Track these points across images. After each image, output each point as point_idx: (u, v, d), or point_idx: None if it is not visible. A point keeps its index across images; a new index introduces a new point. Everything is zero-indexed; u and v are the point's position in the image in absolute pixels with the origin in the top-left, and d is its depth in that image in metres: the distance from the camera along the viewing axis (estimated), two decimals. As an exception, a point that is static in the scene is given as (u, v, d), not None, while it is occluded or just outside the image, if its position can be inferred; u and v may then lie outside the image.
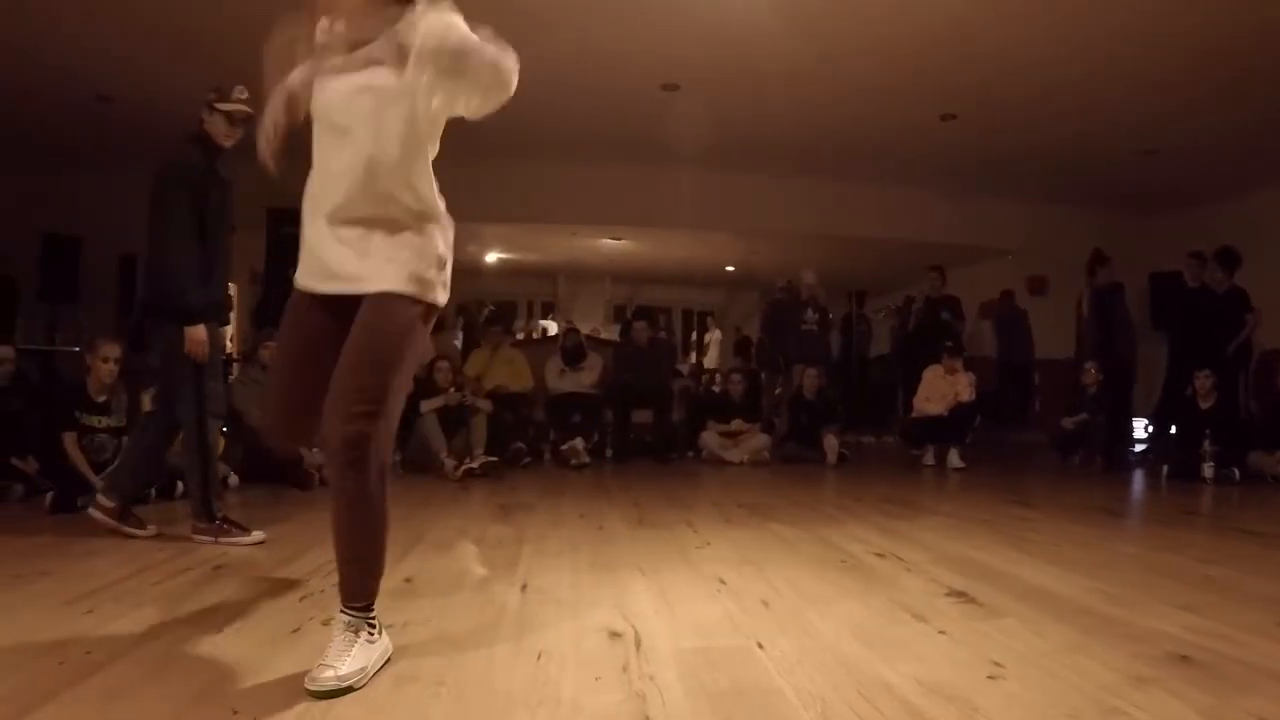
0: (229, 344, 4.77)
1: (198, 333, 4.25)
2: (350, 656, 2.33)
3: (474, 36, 2.30)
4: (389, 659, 2.49)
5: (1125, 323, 9.32)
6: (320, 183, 2.51)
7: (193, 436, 4.39)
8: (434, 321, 2.62)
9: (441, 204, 2.57)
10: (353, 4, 2.49)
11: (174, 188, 4.26)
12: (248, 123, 4.27)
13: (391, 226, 2.47)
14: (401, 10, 2.43)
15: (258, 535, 4.31)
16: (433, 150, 2.54)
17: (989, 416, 10.29)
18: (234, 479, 6.33)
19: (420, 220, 2.51)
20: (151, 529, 4.41)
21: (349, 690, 2.27)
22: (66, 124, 9.46)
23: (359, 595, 2.45)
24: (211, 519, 4.32)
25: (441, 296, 2.56)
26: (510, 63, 2.33)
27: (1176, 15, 6.60)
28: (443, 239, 2.57)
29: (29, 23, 6.97)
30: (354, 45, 2.48)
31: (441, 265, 2.56)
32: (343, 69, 2.47)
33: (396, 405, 2.44)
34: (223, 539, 4.25)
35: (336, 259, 2.47)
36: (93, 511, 4.38)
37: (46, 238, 10.28)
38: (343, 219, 2.46)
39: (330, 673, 2.27)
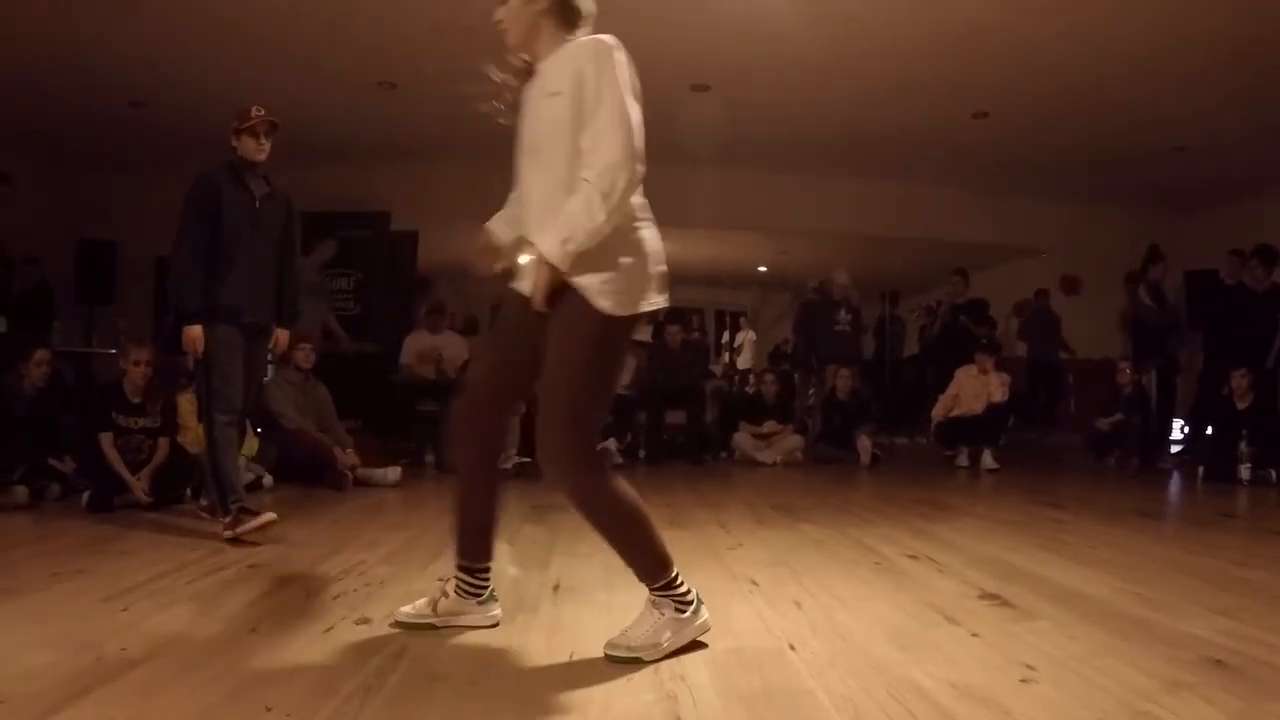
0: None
1: (190, 331, 4.52)
2: (643, 629, 2.59)
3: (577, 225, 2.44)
4: (688, 640, 2.64)
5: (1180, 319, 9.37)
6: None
7: (204, 434, 4.65)
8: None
9: None
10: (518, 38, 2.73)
11: (189, 201, 4.63)
12: (272, 133, 4.72)
13: None
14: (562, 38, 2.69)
15: (268, 516, 4.36)
16: None
17: (1019, 416, 10.23)
18: (268, 479, 6.37)
19: None
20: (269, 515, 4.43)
21: (637, 660, 2.50)
22: (100, 130, 9.58)
23: (642, 577, 2.66)
24: (227, 513, 4.41)
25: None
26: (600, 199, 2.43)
27: (1204, 11, 6.54)
28: None
29: (63, 30, 7.06)
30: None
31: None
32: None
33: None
34: (239, 529, 4.32)
35: None
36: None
37: (82, 242, 10.41)
38: None
39: (623, 640, 2.56)
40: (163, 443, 5.69)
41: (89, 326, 10.11)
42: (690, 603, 2.65)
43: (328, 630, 2.80)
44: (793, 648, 2.68)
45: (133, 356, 5.66)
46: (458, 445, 2.86)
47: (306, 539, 4.41)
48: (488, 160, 10.88)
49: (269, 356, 5.64)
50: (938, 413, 9.25)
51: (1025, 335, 12.06)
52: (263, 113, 4.69)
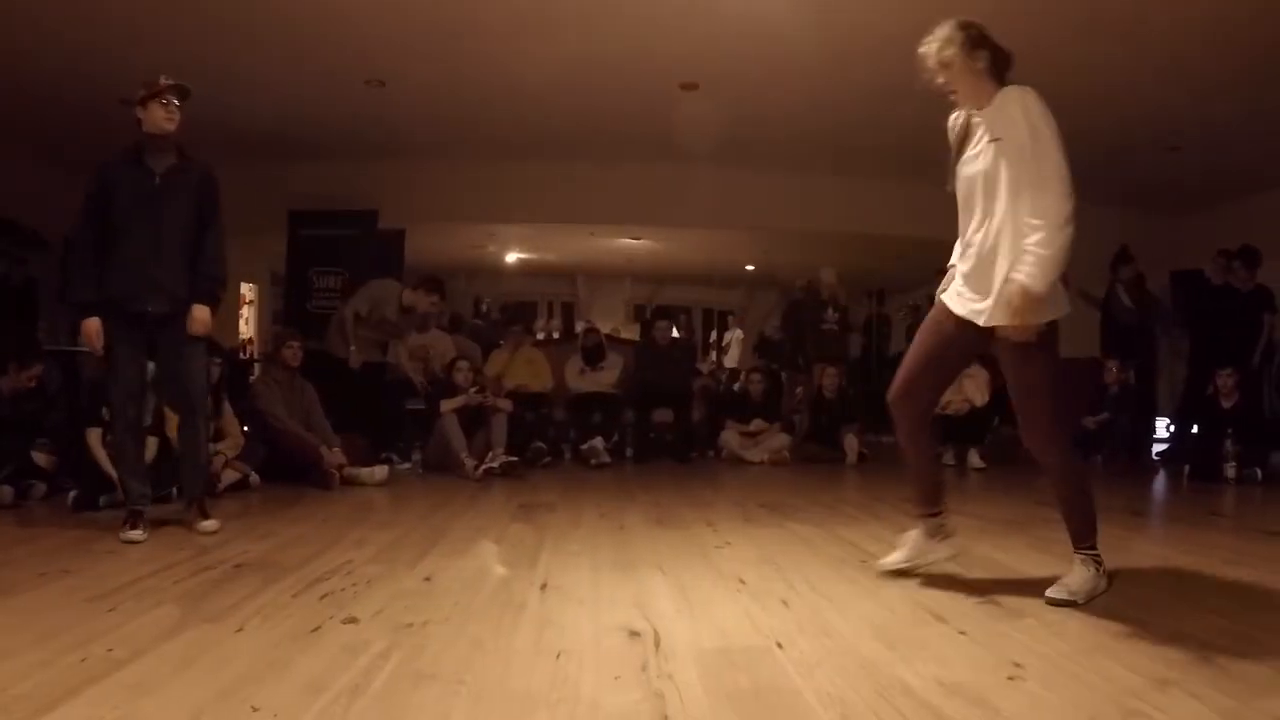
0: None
1: (86, 325, 4.50)
2: (1079, 579, 3.22)
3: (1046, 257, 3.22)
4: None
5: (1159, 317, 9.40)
6: None
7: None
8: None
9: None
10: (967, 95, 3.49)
11: (84, 193, 4.54)
12: (183, 99, 4.50)
13: None
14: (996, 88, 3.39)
15: (139, 536, 4.28)
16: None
17: (1002, 415, 10.25)
18: (255, 478, 6.34)
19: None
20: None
21: (1073, 603, 3.12)
22: (87, 128, 9.52)
23: (1078, 539, 3.33)
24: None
25: None
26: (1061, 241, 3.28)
27: (1205, 9, 6.54)
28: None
29: (53, 29, 7.02)
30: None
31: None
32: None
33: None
34: (121, 530, 4.31)
35: None
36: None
37: (69, 241, 10.34)
38: None
39: (1063, 588, 3.18)
40: (151, 441, 5.65)
41: (74, 326, 10.03)
42: (1102, 563, 3.31)
43: (315, 629, 2.79)
44: (780, 646, 2.67)
45: None
46: (899, 421, 3.57)
47: (294, 538, 4.39)
48: (476, 159, 10.93)
49: (197, 344, 4.96)
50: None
51: None
52: (171, 81, 4.46)
